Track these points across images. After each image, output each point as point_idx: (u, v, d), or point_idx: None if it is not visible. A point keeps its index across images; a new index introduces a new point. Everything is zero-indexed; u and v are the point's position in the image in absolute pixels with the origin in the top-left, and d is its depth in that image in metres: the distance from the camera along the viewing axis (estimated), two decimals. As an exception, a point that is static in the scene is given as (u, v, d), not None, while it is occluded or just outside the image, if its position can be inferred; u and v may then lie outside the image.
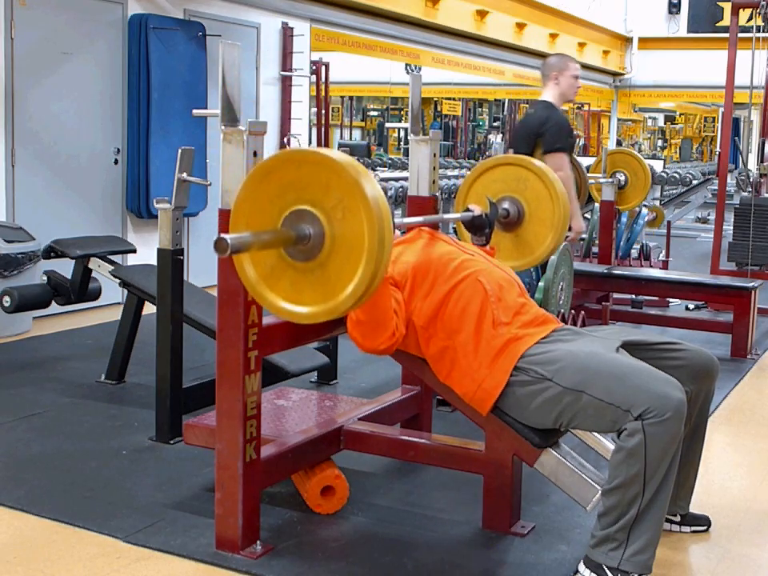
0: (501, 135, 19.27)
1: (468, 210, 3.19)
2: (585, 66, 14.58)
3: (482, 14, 10.92)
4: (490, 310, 2.70)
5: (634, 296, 6.58)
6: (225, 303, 2.64)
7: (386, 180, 9.21)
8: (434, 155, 3.39)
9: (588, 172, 6.07)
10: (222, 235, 2.18)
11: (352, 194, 2.23)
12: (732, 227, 7.77)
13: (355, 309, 2.40)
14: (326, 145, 10.81)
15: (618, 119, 17.96)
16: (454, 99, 18.27)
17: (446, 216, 3.46)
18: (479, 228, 3.17)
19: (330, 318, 2.36)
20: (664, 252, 7.97)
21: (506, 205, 3.37)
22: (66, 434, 3.77)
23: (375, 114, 21.25)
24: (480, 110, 20.94)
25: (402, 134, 19.20)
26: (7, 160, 5.91)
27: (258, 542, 2.74)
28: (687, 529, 2.98)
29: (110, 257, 4.69)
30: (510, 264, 3.32)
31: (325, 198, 2.27)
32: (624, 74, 16.22)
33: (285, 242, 2.31)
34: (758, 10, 6.90)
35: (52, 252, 4.72)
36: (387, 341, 2.66)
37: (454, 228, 4.28)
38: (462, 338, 2.69)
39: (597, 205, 6.96)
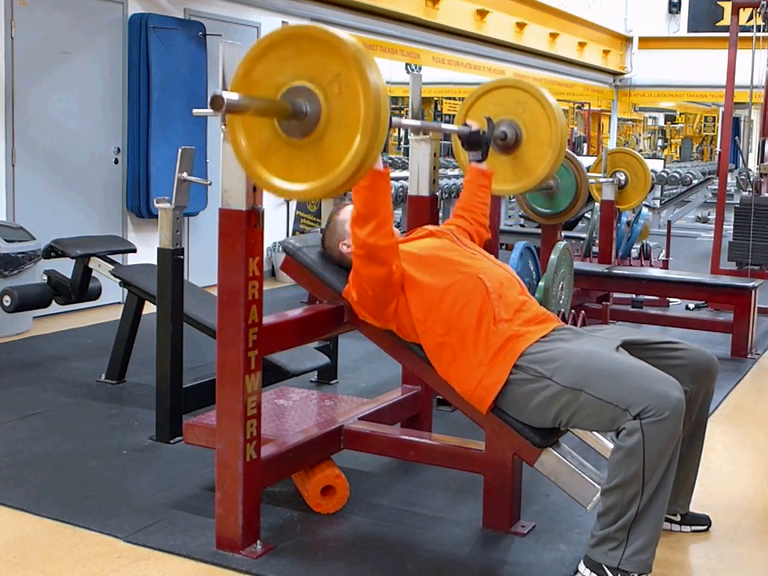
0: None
1: (466, 125, 3.19)
2: (585, 66, 14.63)
3: (482, 13, 10.92)
4: (491, 308, 2.70)
5: (634, 295, 6.59)
6: (225, 303, 2.64)
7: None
8: (435, 155, 3.39)
9: (588, 172, 6.07)
10: (219, 92, 2.13)
11: (349, 69, 2.18)
12: (732, 227, 7.77)
13: (351, 185, 2.33)
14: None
15: (619, 119, 17.95)
16: (454, 99, 18.27)
17: (444, 126, 3.44)
18: (476, 144, 3.18)
19: (323, 194, 2.31)
20: (664, 251, 7.97)
21: (503, 127, 3.37)
22: (66, 434, 3.78)
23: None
24: (480, 109, 20.93)
25: (402, 133, 19.20)
26: (7, 160, 5.92)
27: (258, 541, 2.74)
28: (687, 528, 2.98)
29: (110, 256, 4.69)
30: (509, 186, 3.32)
31: (322, 74, 2.23)
32: (624, 74, 16.22)
33: (281, 112, 2.26)
34: (758, 10, 6.90)
35: (52, 251, 4.72)
36: (386, 237, 2.62)
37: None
38: (461, 335, 2.69)
39: (597, 204, 6.96)
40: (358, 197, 2.60)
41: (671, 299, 6.90)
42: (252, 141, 2.34)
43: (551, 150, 3.33)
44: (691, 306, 6.86)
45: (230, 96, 2.17)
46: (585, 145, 20.40)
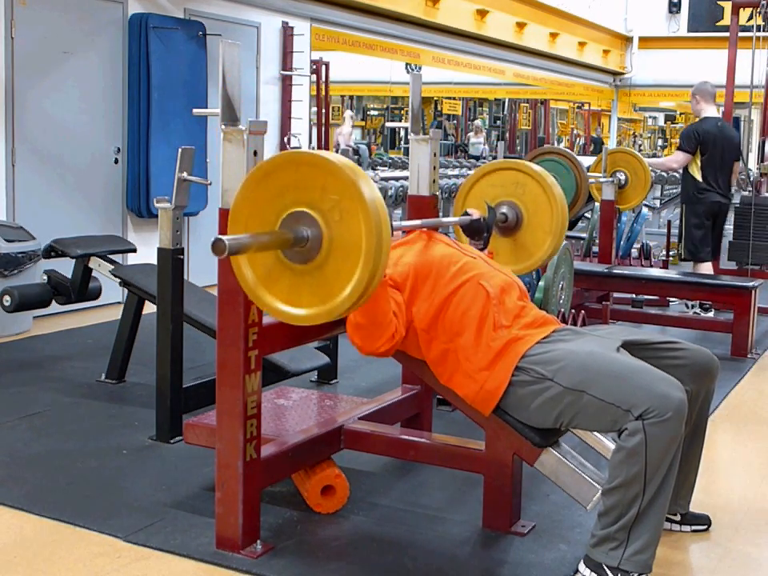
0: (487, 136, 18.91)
1: (466, 213, 3.19)
2: (585, 66, 14.64)
3: (482, 13, 10.92)
4: (492, 314, 2.70)
5: (634, 295, 6.58)
6: (225, 303, 2.65)
7: (386, 179, 9.20)
8: (435, 154, 3.39)
9: (588, 171, 6.06)
10: (220, 236, 2.18)
11: (349, 196, 2.23)
12: (732, 226, 7.77)
13: (353, 311, 2.40)
14: (326, 144, 10.80)
15: (619, 118, 17.96)
16: (454, 98, 18.26)
17: (444, 219, 3.47)
18: (477, 232, 3.17)
19: (327, 320, 2.36)
20: (664, 251, 7.96)
21: (504, 209, 3.38)
22: (67, 434, 3.78)
23: (375, 113, 21.26)
24: (480, 109, 20.93)
25: (403, 133, 19.19)
26: (7, 159, 5.91)
27: (258, 541, 2.74)
28: (687, 528, 2.98)
29: (110, 256, 4.69)
30: (509, 268, 3.31)
31: (322, 200, 2.27)
32: (624, 74, 16.22)
33: (282, 243, 2.31)
34: (758, 10, 6.90)
35: (52, 251, 4.72)
36: (386, 343, 2.66)
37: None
38: (463, 341, 2.69)
39: (597, 204, 6.96)
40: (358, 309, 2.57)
41: (671, 299, 6.90)
42: (256, 269, 2.39)
43: (551, 236, 3.34)
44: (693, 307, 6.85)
45: (232, 239, 2.20)
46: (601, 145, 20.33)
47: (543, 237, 3.36)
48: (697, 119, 6.78)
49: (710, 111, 6.59)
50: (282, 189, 2.33)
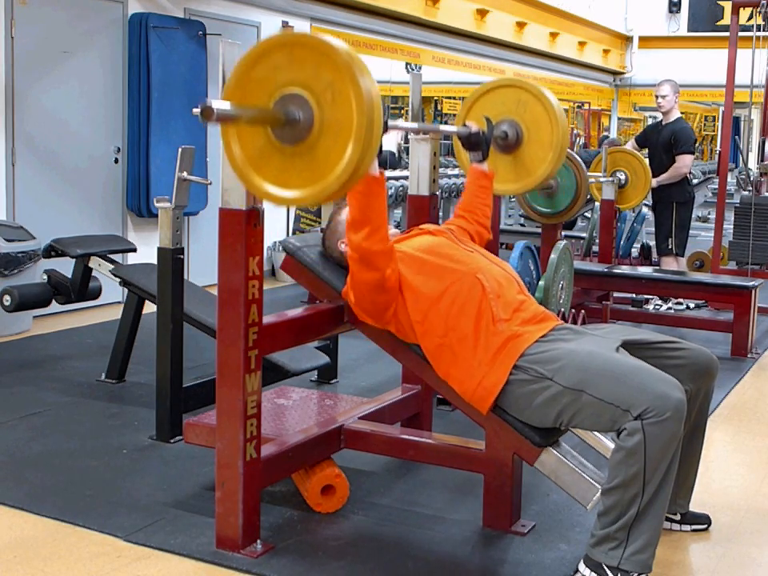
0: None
1: (465, 126, 3.20)
2: (585, 65, 14.62)
3: (482, 12, 10.91)
4: (489, 308, 2.70)
5: (634, 295, 6.58)
6: (225, 302, 2.65)
7: (386, 179, 9.19)
8: (435, 154, 3.39)
9: (588, 171, 6.06)
10: (210, 101, 2.12)
11: (342, 76, 2.18)
12: (732, 226, 7.77)
13: (344, 192, 2.33)
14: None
15: (619, 118, 17.95)
16: (454, 98, 18.26)
17: (443, 127, 3.44)
18: (476, 145, 3.20)
19: (317, 201, 2.31)
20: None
21: (504, 127, 3.37)
22: (67, 433, 3.78)
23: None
24: (480, 108, 20.92)
25: (403, 132, 19.18)
26: (7, 159, 5.91)
27: (259, 540, 2.74)
28: (687, 527, 2.98)
29: (110, 256, 4.69)
30: (510, 186, 3.32)
31: (315, 81, 2.23)
32: (624, 73, 16.22)
33: (273, 120, 2.26)
34: (759, 9, 6.90)
35: (52, 251, 4.73)
36: (381, 242, 2.62)
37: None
38: (460, 336, 2.69)
39: (597, 204, 6.96)
40: (353, 202, 2.60)
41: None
42: (245, 148, 2.34)
43: (552, 150, 3.33)
44: (692, 305, 6.85)
45: (221, 106, 2.16)
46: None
47: (544, 152, 3.35)
48: (673, 118, 6.94)
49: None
50: (274, 71, 2.27)
